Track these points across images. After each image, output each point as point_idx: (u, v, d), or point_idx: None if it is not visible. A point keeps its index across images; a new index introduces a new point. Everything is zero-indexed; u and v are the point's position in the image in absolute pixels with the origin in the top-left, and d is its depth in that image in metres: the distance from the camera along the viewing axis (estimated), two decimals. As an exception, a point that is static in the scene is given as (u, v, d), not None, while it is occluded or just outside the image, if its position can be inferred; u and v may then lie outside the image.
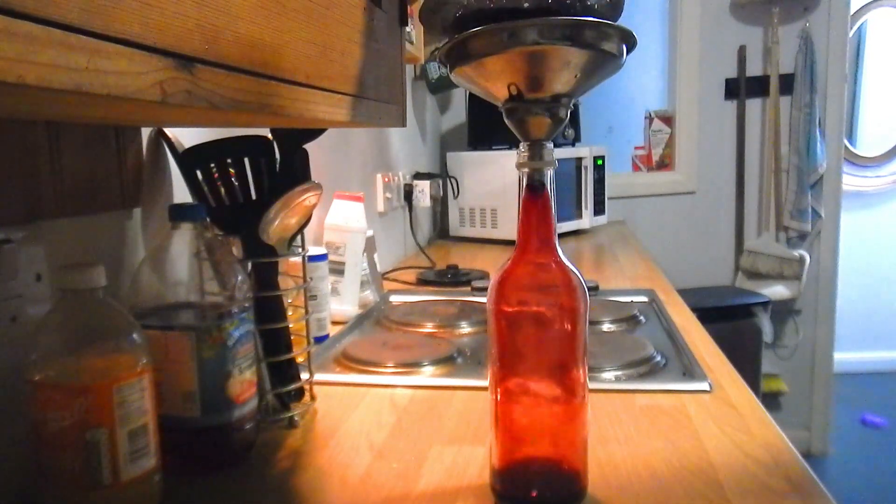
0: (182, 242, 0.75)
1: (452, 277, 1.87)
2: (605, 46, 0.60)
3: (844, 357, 3.46)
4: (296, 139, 0.90)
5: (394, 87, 0.79)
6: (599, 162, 2.74)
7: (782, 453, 0.77)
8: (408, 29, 1.76)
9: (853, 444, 3.36)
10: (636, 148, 3.30)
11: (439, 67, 2.48)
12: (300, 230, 0.92)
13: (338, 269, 1.38)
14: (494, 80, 0.62)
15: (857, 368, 4.01)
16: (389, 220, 2.17)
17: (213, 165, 0.86)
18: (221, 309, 0.76)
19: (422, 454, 0.80)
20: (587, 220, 2.69)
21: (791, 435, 0.81)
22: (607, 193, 2.81)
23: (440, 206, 2.79)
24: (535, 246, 0.65)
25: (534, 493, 0.68)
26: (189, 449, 0.74)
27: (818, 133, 3.09)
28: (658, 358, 1.10)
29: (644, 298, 1.55)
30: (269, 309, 0.88)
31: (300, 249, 0.94)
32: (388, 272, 1.97)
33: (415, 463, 0.78)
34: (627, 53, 0.62)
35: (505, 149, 2.63)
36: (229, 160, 0.86)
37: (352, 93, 0.65)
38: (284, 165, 0.89)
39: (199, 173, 0.87)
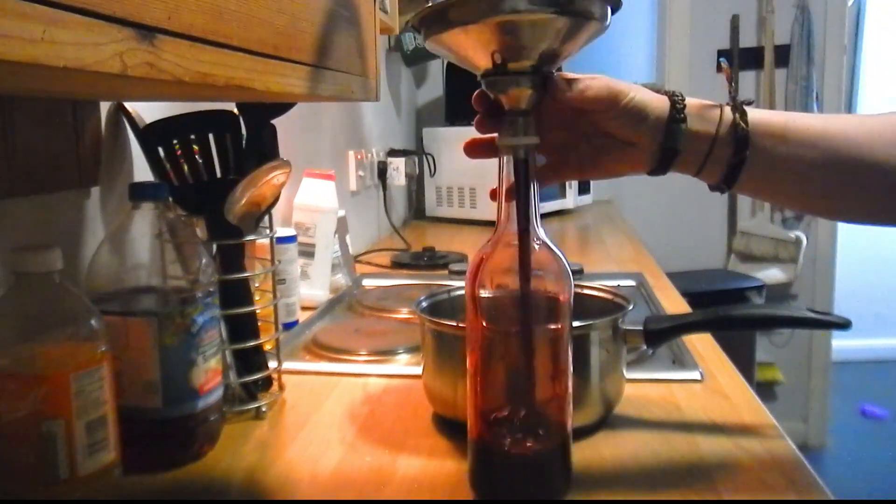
0: (143, 223, 0.76)
1: (429, 260, 1.88)
2: (589, 11, 0.61)
3: (843, 344, 3.48)
4: (264, 114, 0.90)
5: (367, 58, 0.79)
6: (585, 138, 2.73)
7: (778, 446, 0.77)
8: (382, -5, 1.76)
9: (852, 436, 3.39)
10: (624, 123, 3.29)
11: (415, 38, 2.48)
12: (268, 210, 0.92)
13: (308, 252, 1.39)
14: (472, 49, 0.63)
15: (857, 356, 4.02)
16: (362, 199, 2.17)
17: (175, 142, 0.86)
18: (185, 293, 0.76)
19: (397, 447, 0.81)
20: (571, 199, 2.70)
21: (787, 426, 0.82)
22: (593, 171, 2.81)
23: (416, 185, 2.79)
24: (515, 227, 0.66)
25: (514, 485, 0.68)
26: (150, 441, 0.75)
27: (815, 107, 3.12)
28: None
29: (632, 282, 1.57)
30: (234, 293, 0.88)
31: (268, 230, 0.94)
32: (360, 255, 1.98)
33: (389, 456, 0.79)
34: (612, 14, 0.63)
35: (485, 124, 2.62)
36: (193, 136, 0.87)
37: (322, 65, 0.66)
38: (251, 142, 0.89)
39: (161, 150, 0.87)
